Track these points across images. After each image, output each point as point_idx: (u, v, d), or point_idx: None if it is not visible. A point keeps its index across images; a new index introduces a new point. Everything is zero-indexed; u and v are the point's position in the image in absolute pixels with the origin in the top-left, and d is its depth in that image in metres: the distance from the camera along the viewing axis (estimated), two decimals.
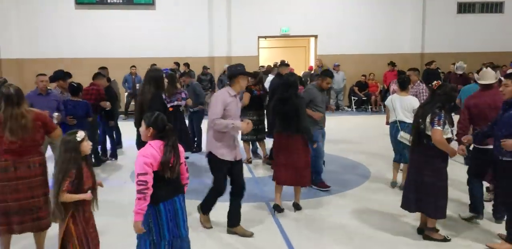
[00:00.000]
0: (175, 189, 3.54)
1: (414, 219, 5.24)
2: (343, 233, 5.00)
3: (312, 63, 17.29)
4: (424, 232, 4.83)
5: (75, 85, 6.97)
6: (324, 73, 6.47)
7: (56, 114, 5.98)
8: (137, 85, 14.60)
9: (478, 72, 5.81)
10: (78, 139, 3.47)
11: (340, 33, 16.02)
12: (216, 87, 15.36)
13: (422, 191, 4.71)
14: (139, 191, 3.32)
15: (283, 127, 5.50)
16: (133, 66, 14.60)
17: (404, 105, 6.26)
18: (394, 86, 10.89)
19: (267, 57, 17.66)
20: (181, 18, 15.49)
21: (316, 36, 16.51)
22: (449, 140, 4.63)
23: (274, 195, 5.66)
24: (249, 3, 15.75)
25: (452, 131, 4.68)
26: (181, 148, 3.59)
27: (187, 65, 14.31)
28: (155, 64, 14.58)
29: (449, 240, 4.75)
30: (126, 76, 14.56)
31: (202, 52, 15.67)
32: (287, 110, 5.41)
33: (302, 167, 5.48)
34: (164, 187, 3.43)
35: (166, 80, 7.09)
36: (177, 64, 14.58)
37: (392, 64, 15.35)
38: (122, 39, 15.28)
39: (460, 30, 16.59)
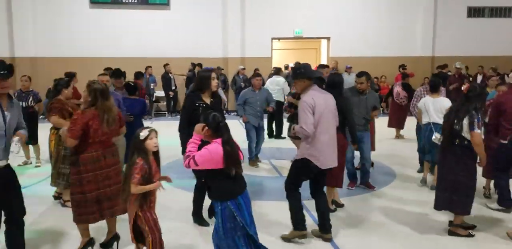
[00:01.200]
0: (244, 183, 3.62)
1: (450, 216, 5.36)
2: (385, 230, 5.12)
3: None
4: (450, 228, 4.97)
5: (132, 84, 7.09)
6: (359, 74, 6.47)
7: None
8: (151, 85, 14.74)
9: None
10: (141, 138, 3.64)
11: (352, 35, 16.19)
12: (229, 88, 15.50)
13: (454, 190, 4.83)
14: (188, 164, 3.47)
15: None
16: (149, 66, 14.72)
17: (437, 107, 6.37)
18: (398, 88, 11.01)
19: (279, 59, 17.79)
20: (196, 18, 15.63)
21: (328, 38, 16.66)
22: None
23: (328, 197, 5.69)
24: (263, 4, 15.89)
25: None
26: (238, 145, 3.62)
27: (200, 65, 14.43)
28: (168, 64, 14.81)
29: (473, 236, 4.89)
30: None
31: (216, 53, 15.80)
32: None
33: (338, 168, 5.50)
34: (236, 181, 3.52)
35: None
36: (193, 65, 14.70)
37: (403, 66, 15.48)
38: (136, 38, 15.38)
39: (470, 34, 16.80)
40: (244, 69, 15.15)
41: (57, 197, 5.96)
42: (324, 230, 4.71)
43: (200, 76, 5.01)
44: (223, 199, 3.50)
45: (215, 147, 3.43)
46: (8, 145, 3.65)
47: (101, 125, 4.10)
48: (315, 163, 4.49)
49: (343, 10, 16.22)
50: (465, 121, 4.71)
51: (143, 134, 3.63)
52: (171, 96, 15.20)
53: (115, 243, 4.46)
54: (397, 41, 16.54)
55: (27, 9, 14.90)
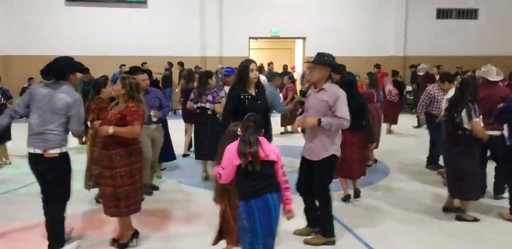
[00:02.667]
0: (267, 186, 3.45)
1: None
2: (398, 217, 5.36)
3: (296, 64, 17.73)
4: (457, 214, 5.27)
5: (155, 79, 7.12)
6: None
7: (153, 111, 5.84)
8: None
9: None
10: (238, 133, 3.63)
11: (327, 36, 16.49)
12: None
13: (462, 178, 5.13)
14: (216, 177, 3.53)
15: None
16: (123, 65, 14.53)
17: None
18: (389, 86, 11.45)
19: (254, 58, 17.88)
20: (173, 17, 15.59)
21: (304, 39, 16.94)
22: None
23: (343, 188, 5.88)
24: (241, 4, 16.01)
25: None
26: (270, 148, 3.53)
27: (181, 64, 14.38)
28: (146, 63, 14.69)
29: (478, 220, 5.18)
30: (116, 74, 14.47)
31: (194, 52, 15.79)
32: (353, 108, 4.95)
33: (360, 162, 5.87)
34: (252, 182, 3.42)
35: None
36: (170, 64, 14.60)
37: (377, 66, 15.94)
38: (113, 37, 15.19)
39: (439, 35, 17.45)
40: (222, 68, 15.17)
41: (97, 199, 5.59)
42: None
43: (239, 68, 4.80)
44: (238, 196, 3.51)
45: (234, 145, 3.47)
46: None
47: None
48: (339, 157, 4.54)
49: (318, 11, 16.54)
50: (463, 113, 5.01)
51: (235, 129, 3.68)
52: None
53: (135, 239, 4.46)
54: (371, 42, 16.99)
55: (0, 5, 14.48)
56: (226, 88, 6.75)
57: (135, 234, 4.45)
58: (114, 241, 4.39)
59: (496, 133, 5.70)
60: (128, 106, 4.19)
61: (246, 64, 4.68)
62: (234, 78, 5.16)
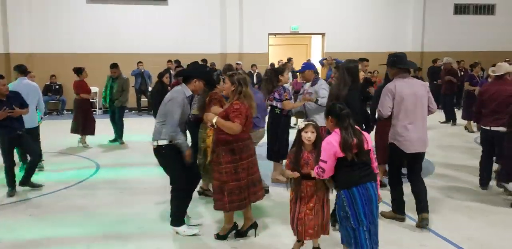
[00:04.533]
0: (367, 175, 3.59)
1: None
2: (456, 207, 5.60)
3: (312, 59, 17.70)
4: None
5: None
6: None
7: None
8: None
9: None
10: (299, 128, 3.90)
11: (346, 31, 16.58)
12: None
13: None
14: (317, 174, 3.68)
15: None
16: (140, 62, 14.61)
17: None
18: None
19: (273, 55, 17.97)
20: (194, 14, 15.63)
21: (323, 34, 16.99)
22: None
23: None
24: (261, 0, 16.05)
25: None
26: (366, 134, 3.69)
27: (205, 61, 14.39)
28: (170, 61, 14.75)
29: None
30: (136, 72, 14.57)
31: (214, 48, 15.83)
32: None
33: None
34: (354, 172, 3.54)
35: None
36: (205, 61, 14.42)
37: None
38: (133, 34, 15.21)
39: (456, 30, 17.49)
40: (239, 64, 15.23)
41: (202, 192, 5.93)
42: (420, 209, 4.90)
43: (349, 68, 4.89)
44: (338, 187, 3.64)
45: (331, 136, 3.58)
46: None
47: (250, 113, 4.38)
48: (400, 147, 4.78)
49: (337, 6, 16.61)
50: None
51: (301, 125, 3.86)
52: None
53: (253, 230, 4.63)
54: (389, 37, 17.04)
55: (22, 3, 14.49)
56: (307, 85, 6.50)
57: (254, 225, 4.62)
58: (237, 233, 4.61)
59: (502, 129, 5.88)
60: (232, 103, 4.31)
61: (355, 64, 4.97)
62: (348, 77, 4.87)
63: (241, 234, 4.61)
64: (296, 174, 3.86)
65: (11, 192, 6.05)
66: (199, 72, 4.81)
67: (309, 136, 3.83)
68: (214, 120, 4.29)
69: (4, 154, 6.07)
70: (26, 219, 5.26)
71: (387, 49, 16.76)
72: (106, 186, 6.61)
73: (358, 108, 4.77)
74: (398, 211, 5.03)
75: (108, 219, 5.23)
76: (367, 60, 8.07)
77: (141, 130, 10.13)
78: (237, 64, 15.06)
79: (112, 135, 9.99)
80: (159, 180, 6.34)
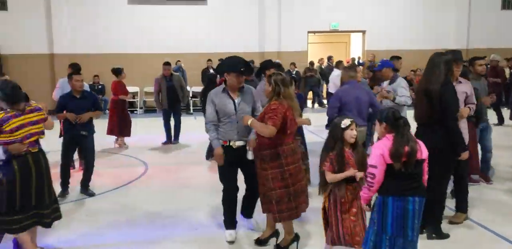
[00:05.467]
0: (412, 188, 3.36)
1: None
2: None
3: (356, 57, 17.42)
4: None
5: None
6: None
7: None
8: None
9: None
10: (342, 126, 3.65)
11: (387, 28, 16.17)
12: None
13: None
14: (367, 182, 3.42)
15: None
16: (178, 60, 14.68)
17: None
18: None
19: (312, 53, 17.75)
20: (232, 13, 15.58)
21: (364, 32, 16.64)
22: None
23: None
24: None
25: None
26: (421, 144, 3.43)
27: (253, 62, 14.32)
28: (210, 60, 14.76)
29: None
30: (175, 68, 14.63)
31: (252, 47, 15.74)
32: None
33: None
34: (395, 181, 3.33)
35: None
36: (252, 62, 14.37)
37: None
38: (172, 34, 15.32)
39: (504, 26, 16.79)
40: (276, 62, 15.05)
41: None
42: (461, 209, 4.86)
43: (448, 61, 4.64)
44: (379, 191, 3.42)
45: (382, 141, 3.38)
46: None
47: (294, 114, 4.14)
48: None
49: (378, 3, 16.21)
50: None
51: (344, 122, 3.63)
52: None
53: (275, 239, 4.37)
54: (432, 34, 16.52)
55: (63, 5, 14.79)
56: (385, 83, 6.28)
57: (275, 234, 4.36)
58: (257, 241, 4.39)
59: None
60: (269, 104, 4.08)
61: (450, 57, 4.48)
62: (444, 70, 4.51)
63: (259, 242, 4.37)
64: (352, 172, 3.63)
65: (64, 193, 5.99)
66: (226, 66, 4.48)
67: (354, 133, 3.66)
68: (249, 122, 4.07)
69: (63, 152, 6.00)
70: (81, 219, 5.29)
71: (429, 46, 16.31)
72: (157, 186, 6.64)
73: (456, 104, 4.39)
74: None
75: (164, 220, 5.22)
76: (400, 58, 7.84)
77: (183, 129, 9.98)
78: (275, 62, 14.92)
79: (157, 136, 9.89)
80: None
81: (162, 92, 9.41)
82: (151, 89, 12.14)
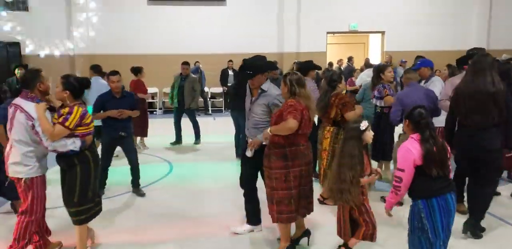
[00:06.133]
0: (446, 186, 3.36)
1: None
2: None
3: (371, 58, 17.29)
4: None
5: None
6: None
7: None
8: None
9: None
10: (362, 128, 3.63)
11: (406, 29, 16.02)
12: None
13: None
14: (394, 186, 3.39)
15: None
16: (197, 61, 14.70)
17: None
18: None
19: (330, 54, 17.68)
20: (251, 13, 15.54)
21: (383, 32, 16.54)
22: None
23: None
24: None
25: None
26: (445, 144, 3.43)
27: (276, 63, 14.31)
28: (231, 61, 14.72)
29: None
30: (193, 69, 14.65)
31: (271, 48, 15.70)
32: None
33: None
34: (433, 182, 3.30)
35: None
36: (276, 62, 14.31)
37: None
38: (191, 35, 15.34)
39: None
40: (296, 61, 15.01)
41: (322, 201, 5.61)
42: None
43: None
44: (414, 196, 3.39)
45: (409, 143, 3.35)
46: None
47: (308, 116, 4.01)
48: None
49: (397, 4, 16.07)
50: None
51: (363, 124, 3.64)
52: (224, 92, 15.23)
53: (306, 238, 4.37)
54: (452, 35, 16.34)
55: (84, 6, 14.88)
56: (421, 83, 6.21)
57: (306, 233, 4.35)
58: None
59: None
60: (286, 102, 4.04)
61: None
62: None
63: (292, 242, 4.28)
64: (379, 172, 3.79)
65: (100, 192, 5.89)
66: (265, 65, 4.53)
67: (372, 134, 3.72)
68: (268, 130, 3.99)
69: (103, 155, 5.99)
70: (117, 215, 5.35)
71: (449, 47, 16.19)
72: (182, 185, 6.68)
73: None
74: None
75: (195, 219, 5.26)
76: (422, 57, 7.83)
77: (202, 129, 9.95)
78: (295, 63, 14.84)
79: (170, 136, 9.87)
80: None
81: (174, 89, 9.51)
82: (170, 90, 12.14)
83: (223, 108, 15.50)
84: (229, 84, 15.04)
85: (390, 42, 16.40)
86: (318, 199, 5.54)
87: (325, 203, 5.48)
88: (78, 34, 14.91)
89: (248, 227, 4.73)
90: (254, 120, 4.40)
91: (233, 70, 15.13)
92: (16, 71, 10.09)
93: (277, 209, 4.02)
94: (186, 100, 9.34)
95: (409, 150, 3.27)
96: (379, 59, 16.83)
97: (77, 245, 4.14)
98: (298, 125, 3.86)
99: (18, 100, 3.94)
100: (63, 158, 3.95)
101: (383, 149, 6.09)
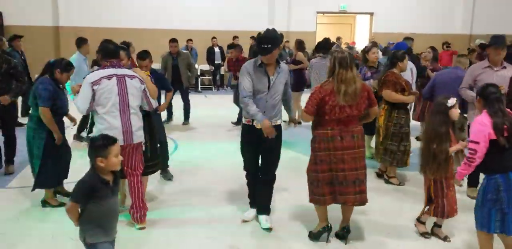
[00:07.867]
0: None
1: None
2: None
3: (357, 39, 17.47)
4: None
5: None
6: None
7: None
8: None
9: None
10: (449, 105, 3.76)
11: (395, 11, 16.17)
12: None
13: None
14: (467, 158, 3.52)
15: None
16: (190, 39, 14.47)
17: None
18: None
19: (320, 34, 17.61)
20: None
21: (372, 14, 16.62)
22: None
23: None
24: None
25: None
26: None
27: (254, 38, 14.19)
28: (215, 38, 14.50)
29: None
30: (182, 49, 14.41)
31: (261, 26, 15.48)
32: None
33: None
34: (507, 156, 3.43)
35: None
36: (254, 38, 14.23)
37: (447, 44, 15.56)
38: (181, 11, 15.07)
39: (509, 11, 16.88)
40: (288, 41, 14.97)
41: (380, 174, 5.86)
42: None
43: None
44: (490, 172, 3.50)
45: (482, 116, 3.50)
46: None
47: (335, 100, 3.76)
48: None
49: None
50: None
51: (451, 101, 3.74)
52: (211, 70, 15.12)
53: (326, 234, 4.15)
54: (438, 18, 16.57)
55: None
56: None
57: (345, 230, 4.11)
58: (309, 234, 4.20)
59: None
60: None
61: None
62: None
63: (337, 235, 4.19)
64: (464, 145, 3.89)
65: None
66: (279, 40, 4.30)
67: (459, 111, 3.88)
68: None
69: None
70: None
71: (434, 30, 16.44)
72: (190, 165, 6.62)
73: None
74: None
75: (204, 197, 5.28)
76: (412, 39, 8.16)
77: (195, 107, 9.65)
78: (286, 42, 14.76)
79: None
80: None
81: (167, 70, 8.89)
82: (158, 66, 11.75)
83: (212, 86, 15.41)
84: (216, 62, 14.96)
85: (378, 24, 16.52)
86: (376, 172, 5.93)
87: (388, 181, 5.71)
88: (64, 6, 14.42)
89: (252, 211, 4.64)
90: (275, 100, 4.20)
91: (219, 47, 14.99)
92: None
93: (310, 189, 4.09)
94: (184, 79, 8.91)
95: (483, 123, 3.43)
96: (366, 40, 16.93)
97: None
98: (320, 110, 3.84)
99: (113, 70, 4.13)
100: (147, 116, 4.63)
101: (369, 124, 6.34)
